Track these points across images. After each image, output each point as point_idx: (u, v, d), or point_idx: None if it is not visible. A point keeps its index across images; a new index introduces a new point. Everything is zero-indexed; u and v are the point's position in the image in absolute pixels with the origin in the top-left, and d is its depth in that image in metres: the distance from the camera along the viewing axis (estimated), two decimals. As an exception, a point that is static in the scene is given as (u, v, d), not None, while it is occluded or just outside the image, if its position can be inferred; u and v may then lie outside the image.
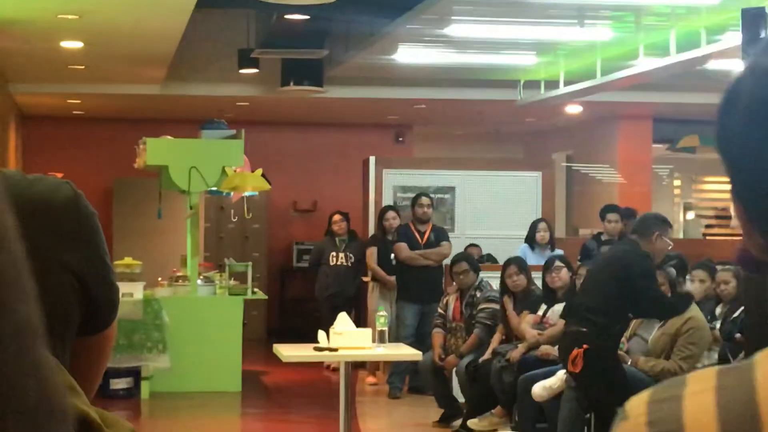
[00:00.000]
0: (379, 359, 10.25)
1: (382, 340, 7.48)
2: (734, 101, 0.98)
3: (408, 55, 11.14)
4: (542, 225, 10.87)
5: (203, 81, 13.01)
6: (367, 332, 7.45)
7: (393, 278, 11.01)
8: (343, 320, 7.41)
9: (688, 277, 8.36)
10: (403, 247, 10.90)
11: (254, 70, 12.08)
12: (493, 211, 12.53)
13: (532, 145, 18.14)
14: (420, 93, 13.38)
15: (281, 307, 16.05)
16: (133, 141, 11.72)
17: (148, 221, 14.05)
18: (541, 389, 7.78)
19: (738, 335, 7.32)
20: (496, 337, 8.89)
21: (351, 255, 12.29)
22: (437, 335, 9.40)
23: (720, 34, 8.79)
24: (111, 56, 10.88)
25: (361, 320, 11.28)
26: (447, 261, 10.25)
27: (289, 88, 12.30)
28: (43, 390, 0.76)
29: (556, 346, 8.29)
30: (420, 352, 7.92)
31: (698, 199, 18.46)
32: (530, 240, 10.77)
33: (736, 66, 7.99)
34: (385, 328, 7.57)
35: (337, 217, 12.43)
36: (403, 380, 10.83)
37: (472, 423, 8.54)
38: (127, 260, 11.19)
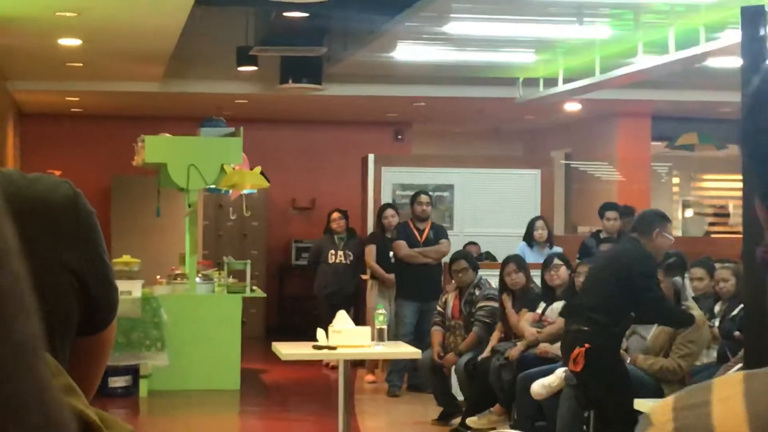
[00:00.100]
0: (378, 357, 10.24)
1: (381, 338, 7.47)
2: (765, 101, 0.97)
3: (407, 52, 11.13)
4: (539, 223, 10.87)
5: (202, 78, 13.00)
6: (366, 330, 7.44)
7: (392, 276, 11.00)
8: (341, 318, 7.40)
9: (686, 275, 8.35)
10: (402, 245, 10.90)
11: (253, 68, 12.07)
12: (492, 208, 12.53)
13: (531, 143, 18.14)
14: (419, 91, 13.37)
15: (280, 305, 16.05)
16: (132, 138, 11.71)
17: (146, 219, 14.04)
18: (539, 387, 7.78)
19: (737, 333, 7.31)
20: (495, 335, 8.89)
21: (350, 253, 12.28)
22: (436, 333, 9.40)
23: (719, 32, 8.78)
24: (109, 54, 10.88)
25: (360, 318, 11.28)
26: (446, 259, 10.25)
27: (288, 85, 12.28)
28: (46, 410, 0.76)
29: (555, 344, 8.30)
30: (419, 350, 7.92)
31: (697, 197, 18.47)
32: (528, 238, 10.77)
33: (735, 64, 8.00)
34: (384, 326, 7.56)
35: (335, 214, 12.43)
36: (402, 378, 10.83)
37: (470, 421, 8.54)
38: (126, 258, 11.18)
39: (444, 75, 12.64)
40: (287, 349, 7.37)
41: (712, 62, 9.95)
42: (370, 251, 11.26)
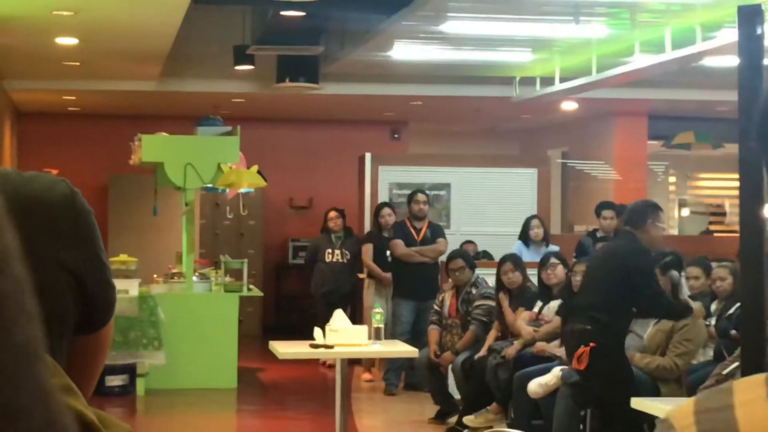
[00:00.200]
0: (375, 356, 10.24)
1: (378, 337, 7.48)
2: None
3: (404, 51, 11.13)
4: (535, 222, 10.88)
5: (199, 77, 12.99)
6: (363, 329, 7.45)
7: (389, 275, 11.01)
8: (338, 317, 7.41)
9: (683, 273, 8.36)
10: (399, 243, 10.91)
11: (250, 67, 12.07)
12: (489, 207, 12.55)
13: (527, 142, 18.15)
14: (416, 90, 13.37)
15: (277, 303, 16.05)
16: (129, 138, 11.71)
17: (143, 218, 14.04)
18: (536, 386, 7.79)
19: (733, 332, 7.32)
20: (492, 334, 8.89)
21: (347, 252, 12.29)
22: (433, 332, 9.41)
23: (715, 31, 8.78)
24: (106, 53, 10.87)
25: (356, 317, 11.29)
26: (443, 258, 10.25)
27: (285, 84, 12.28)
28: (47, 414, 0.76)
29: (552, 343, 8.31)
30: (416, 349, 7.92)
31: (694, 196, 18.48)
32: (524, 237, 10.78)
33: (732, 63, 8.00)
34: (381, 325, 7.57)
35: (332, 213, 12.43)
36: (399, 377, 10.84)
37: (467, 420, 8.55)
38: (123, 257, 11.18)
39: (441, 74, 12.65)
40: (284, 348, 7.38)
41: (709, 61, 9.96)
42: (367, 250, 11.26)
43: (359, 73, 12.73)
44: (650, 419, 6.63)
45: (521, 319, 8.65)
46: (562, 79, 11.17)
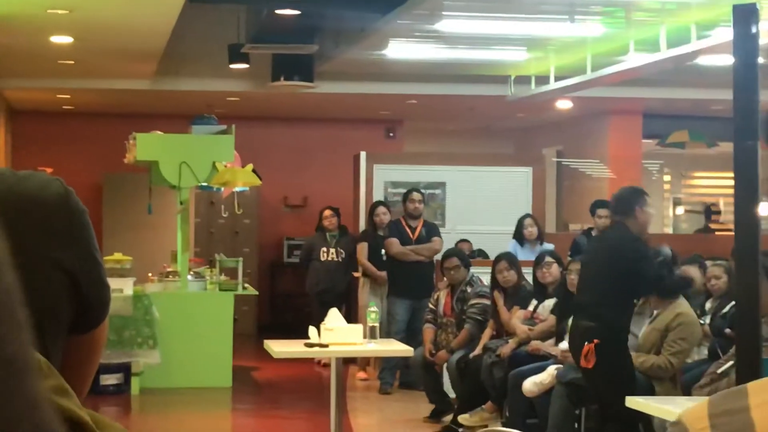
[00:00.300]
0: (370, 355, 10.24)
1: (373, 336, 7.47)
2: None
3: (399, 50, 11.13)
4: (528, 221, 10.89)
5: (193, 76, 12.98)
6: (358, 328, 7.44)
7: (384, 274, 11.01)
8: (333, 316, 7.40)
9: (677, 272, 8.36)
10: (394, 242, 10.90)
11: (245, 66, 12.06)
12: (484, 206, 12.55)
13: (522, 141, 18.16)
14: (411, 88, 13.37)
15: (272, 302, 16.05)
16: (123, 136, 11.69)
17: (138, 217, 14.03)
18: (531, 385, 7.79)
19: (728, 330, 7.32)
20: (487, 333, 8.89)
21: (342, 250, 12.28)
22: (428, 331, 9.40)
23: (710, 30, 8.79)
24: (101, 51, 10.86)
25: (351, 316, 11.29)
26: (438, 256, 10.25)
27: (280, 83, 12.27)
28: (37, 428, 0.75)
29: (546, 342, 8.31)
30: (411, 348, 7.92)
31: (688, 195, 18.50)
32: (518, 236, 10.79)
33: (727, 61, 8.01)
34: (376, 324, 7.56)
35: (327, 212, 12.42)
36: (394, 375, 10.83)
37: (462, 418, 8.55)
38: (117, 256, 11.17)
39: (436, 73, 12.64)
40: (279, 347, 7.37)
41: (704, 60, 9.96)
42: (362, 249, 11.26)
43: (354, 72, 12.72)
44: (645, 418, 6.63)
45: (516, 318, 8.65)
46: (557, 78, 11.17)
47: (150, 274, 11.55)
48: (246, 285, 11.79)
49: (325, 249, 12.33)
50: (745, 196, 4.97)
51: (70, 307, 1.27)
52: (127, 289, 10.49)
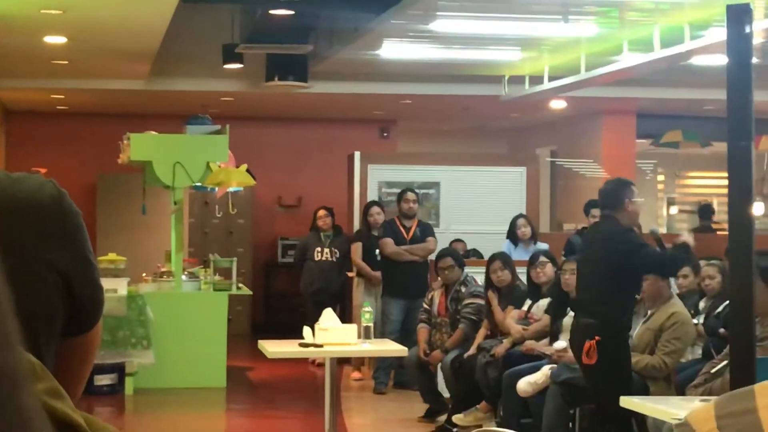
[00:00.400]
0: (364, 355, 10.24)
1: (367, 336, 7.48)
2: None
3: (393, 50, 11.13)
4: (521, 221, 10.90)
5: (188, 76, 12.97)
6: (352, 328, 7.44)
7: (378, 274, 11.01)
8: (328, 316, 7.40)
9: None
10: (388, 242, 10.90)
11: (239, 66, 12.05)
12: (478, 206, 12.56)
13: (516, 141, 18.17)
14: (405, 88, 13.36)
15: (266, 302, 16.04)
16: (117, 136, 11.68)
17: (132, 217, 14.02)
18: (525, 384, 7.80)
19: (722, 330, 7.33)
20: (481, 333, 8.90)
21: (336, 250, 12.28)
22: (422, 330, 9.41)
23: (704, 30, 8.80)
24: (95, 51, 10.85)
25: (346, 316, 11.28)
26: (432, 256, 10.25)
27: (274, 83, 12.27)
28: None
29: (541, 341, 8.32)
30: (405, 348, 7.92)
31: (682, 194, 18.52)
32: (512, 236, 10.80)
33: (720, 61, 8.01)
34: (371, 324, 7.57)
35: (321, 212, 12.42)
36: (389, 375, 10.84)
37: (457, 418, 8.55)
38: (111, 256, 11.16)
39: (430, 73, 12.64)
40: (273, 347, 7.37)
41: (697, 60, 9.97)
42: (357, 249, 11.26)
43: (348, 72, 12.72)
44: (639, 417, 6.64)
45: (510, 318, 8.66)
46: (551, 78, 11.17)
47: (144, 275, 11.54)
48: (240, 285, 11.78)
49: (319, 249, 12.33)
50: (739, 196, 4.98)
51: (63, 309, 1.27)
52: (121, 289, 10.48)
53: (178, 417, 10.04)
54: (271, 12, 10.46)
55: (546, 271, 8.64)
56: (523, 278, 8.97)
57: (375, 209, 11.26)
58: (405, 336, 10.04)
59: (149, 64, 11.68)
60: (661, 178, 18.38)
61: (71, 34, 9.87)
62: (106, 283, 9.03)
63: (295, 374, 11.81)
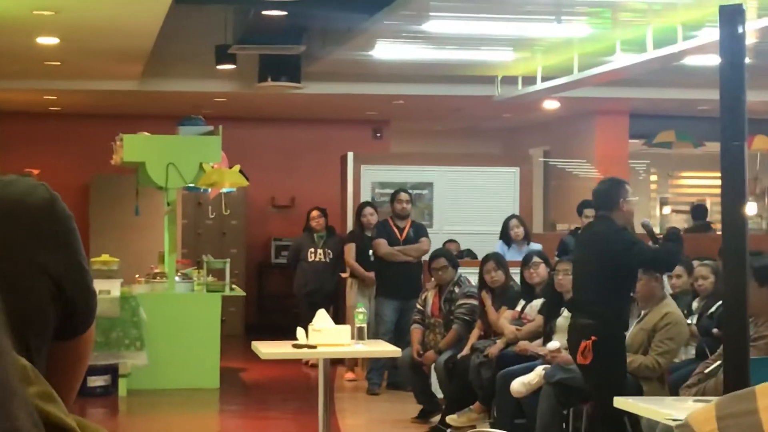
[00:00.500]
0: (357, 356, 10.23)
1: (360, 337, 7.47)
2: None
3: (386, 51, 11.13)
4: (514, 222, 10.90)
5: (180, 77, 12.96)
6: (345, 329, 7.44)
7: (372, 274, 11.00)
8: (321, 317, 7.39)
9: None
10: (381, 243, 10.90)
11: (232, 66, 12.05)
12: (471, 206, 12.56)
13: (509, 141, 18.17)
14: (398, 89, 13.37)
15: (259, 303, 16.03)
16: (110, 137, 11.66)
17: (125, 218, 13.99)
18: (519, 385, 7.80)
19: (715, 330, 7.34)
20: (475, 333, 8.90)
21: (329, 251, 12.28)
22: (416, 331, 9.40)
23: (697, 30, 8.81)
24: (87, 52, 10.83)
25: (339, 317, 11.28)
26: (426, 257, 10.25)
27: (267, 84, 12.26)
28: None
29: (534, 342, 8.32)
30: (399, 349, 7.92)
31: (675, 194, 18.54)
32: (505, 237, 10.79)
33: (713, 62, 8.02)
34: (364, 325, 7.56)
35: (315, 213, 12.42)
36: (382, 376, 10.83)
37: (450, 419, 8.55)
38: (104, 257, 11.15)
39: (423, 73, 12.65)
40: (267, 348, 7.36)
41: (690, 60, 9.98)
42: (350, 249, 11.25)
43: (341, 73, 12.72)
44: (632, 417, 6.64)
45: (504, 318, 8.66)
46: (544, 78, 11.18)
47: (137, 276, 11.53)
48: (233, 286, 11.77)
49: (312, 250, 12.33)
50: (732, 196, 4.98)
51: (55, 312, 1.26)
52: (115, 290, 10.46)
53: (171, 418, 10.03)
54: (264, 13, 10.46)
55: (539, 272, 8.64)
56: (517, 279, 8.96)
57: (368, 210, 11.26)
58: (398, 337, 10.03)
59: (142, 65, 11.67)
60: (654, 178, 18.40)
61: (64, 35, 9.86)
62: (99, 284, 9.01)
63: (289, 375, 11.80)
